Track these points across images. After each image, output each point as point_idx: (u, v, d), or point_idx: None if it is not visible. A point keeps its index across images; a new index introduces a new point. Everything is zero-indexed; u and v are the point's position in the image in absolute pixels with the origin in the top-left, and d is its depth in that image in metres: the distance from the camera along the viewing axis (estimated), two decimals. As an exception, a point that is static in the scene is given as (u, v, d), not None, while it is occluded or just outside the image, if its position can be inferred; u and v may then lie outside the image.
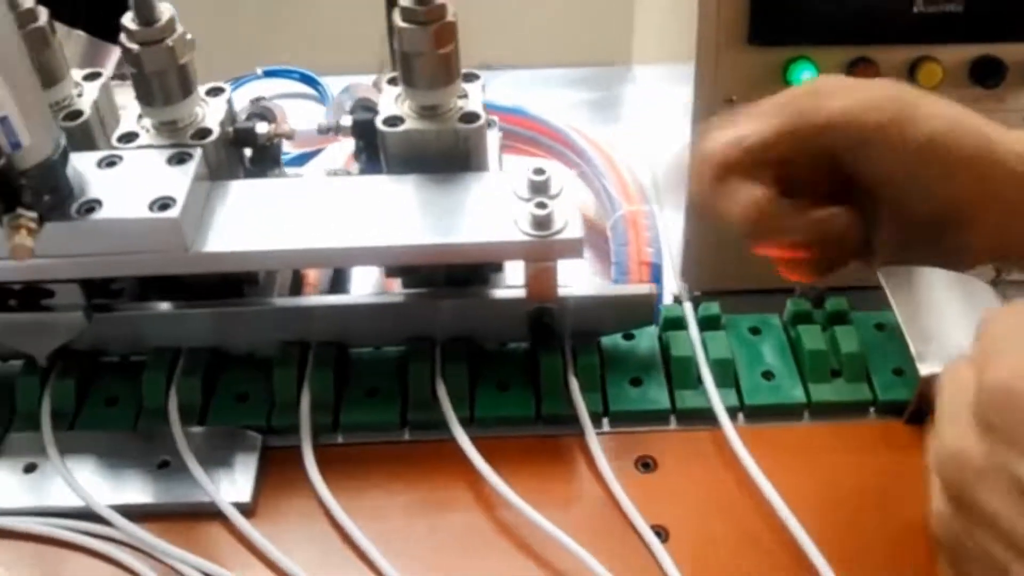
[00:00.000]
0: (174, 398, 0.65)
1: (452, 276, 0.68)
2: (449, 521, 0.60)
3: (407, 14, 0.61)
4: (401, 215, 0.62)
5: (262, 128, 0.66)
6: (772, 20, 0.67)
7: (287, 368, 0.65)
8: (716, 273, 0.74)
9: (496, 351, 0.68)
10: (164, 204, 0.59)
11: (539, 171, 0.62)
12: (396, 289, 0.70)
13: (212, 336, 0.68)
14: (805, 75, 0.68)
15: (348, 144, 0.78)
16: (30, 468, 0.63)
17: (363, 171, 0.68)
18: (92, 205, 0.59)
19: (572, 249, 0.60)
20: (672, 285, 0.75)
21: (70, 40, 0.69)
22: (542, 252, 0.60)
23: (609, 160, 0.91)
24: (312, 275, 0.77)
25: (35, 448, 0.64)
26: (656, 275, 0.76)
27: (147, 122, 0.66)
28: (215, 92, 0.67)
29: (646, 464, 0.63)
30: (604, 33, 1.28)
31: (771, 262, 0.55)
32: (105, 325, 0.66)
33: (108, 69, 0.74)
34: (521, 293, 0.66)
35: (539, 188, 0.62)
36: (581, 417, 0.63)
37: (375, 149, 0.67)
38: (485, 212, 0.62)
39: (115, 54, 0.74)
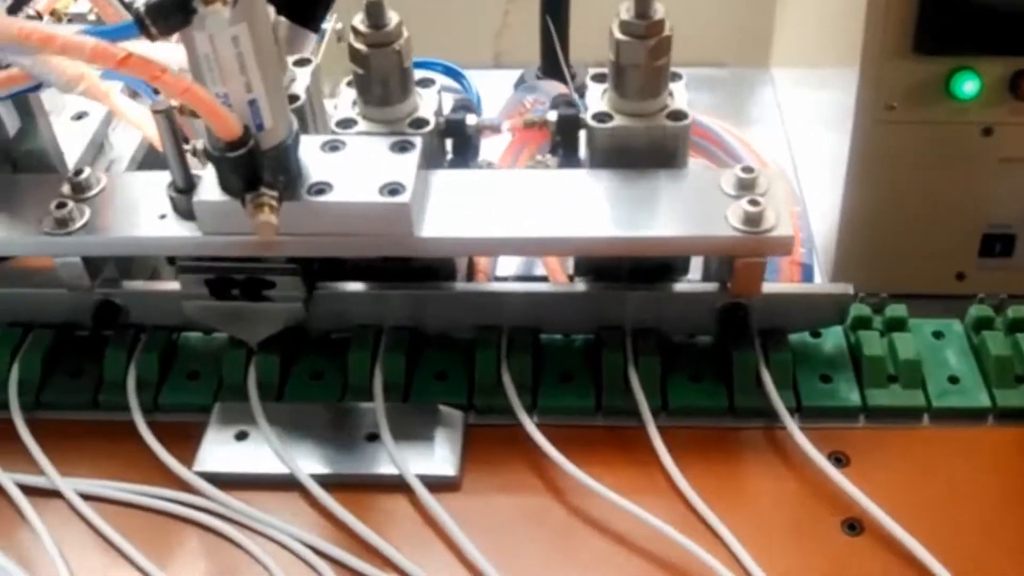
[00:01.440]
0: (379, 375, 0.67)
1: (636, 271, 0.70)
2: (646, 507, 0.61)
3: (625, 27, 0.63)
4: (610, 208, 0.64)
5: (471, 120, 0.68)
6: (939, 28, 0.68)
7: (488, 350, 0.68)
8: (871, 275, 0.75)
9: (684, 343, 0.70)
10: (393, 189, 0.62)
11: (747, 169, 0.64)
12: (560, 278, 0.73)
13: (411, 317, 0.70)
14: (968, 85, 0.69)
15: (504, 138, 0.81)
16: (241, 436, 0.66)
17: (561, 165, 0.70)
18: (322, 187, 0.62)
19: (784, 246, 0.62)
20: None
21: (277, 27, 0.71)
22: (754, 248, 0.62)
23: (760, 160, 0.92)
24: (483, 262, 0.79)
25: (244, 417, 0.67)
26: (807, 275, 0.78)
27: (359, 108, 0.68)
28: (426, 83, 0.69)
29: (838, 459, 0.64)
30: (741, 35, 1.29)
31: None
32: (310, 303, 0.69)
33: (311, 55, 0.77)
34: (710, 287, 0.68)
35: (747, 186, 0.64)
36: (779, 411, 0.65)
37: (573, 143, 0.69)
38: (693, 207, 0.64)
39: (311, 41, 0.76)
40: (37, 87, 0.67)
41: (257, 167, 0.59)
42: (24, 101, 0.71)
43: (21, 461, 0.67)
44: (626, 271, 0.70)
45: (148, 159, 0.83)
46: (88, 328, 0.72)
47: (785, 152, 1.06)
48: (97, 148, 0.80)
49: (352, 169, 0.63)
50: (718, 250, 0.64)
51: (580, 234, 0.63)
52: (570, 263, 0.73)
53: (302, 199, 0.61)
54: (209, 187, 0.62)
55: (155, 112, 0.61)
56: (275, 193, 0.59)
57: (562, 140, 0.70)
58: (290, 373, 0.70)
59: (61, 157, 0.75)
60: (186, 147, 0.64)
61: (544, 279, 0.79)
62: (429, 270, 0.71)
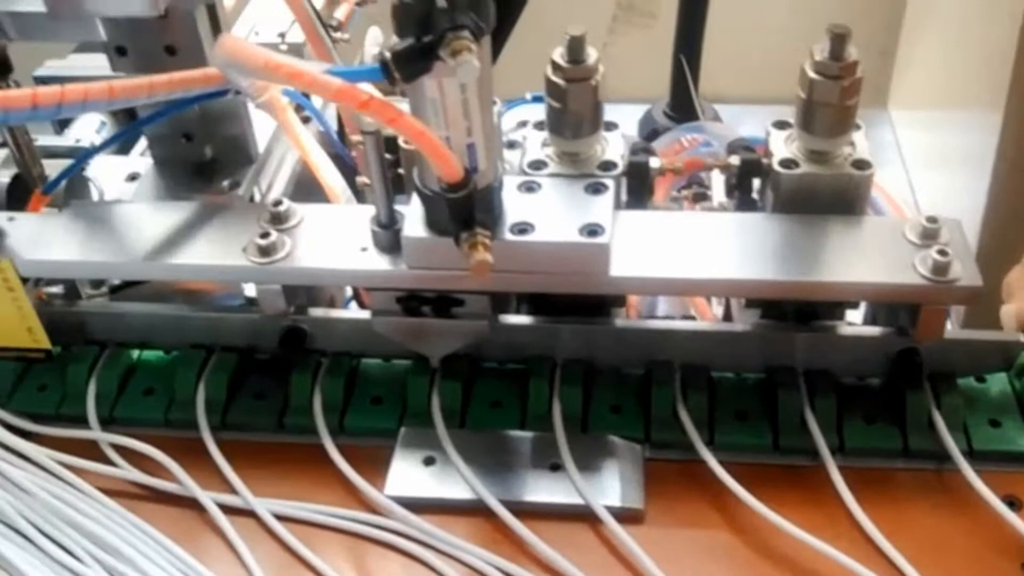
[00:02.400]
0: (557, 405, 0.70)
1: (802, 311, 0.72)
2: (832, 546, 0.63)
3: (820, 67, 0.65)
4: (796, 252, 0.66)
5: (655, 163, 0.71)
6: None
7: (664, 386, 0.70)
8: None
9: (853, 384, 0.72)
10: (592, 230, 0.64)
11: (931, 219, 0.66)
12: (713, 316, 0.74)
13: (582, 350, 0.72)
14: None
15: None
16: (429, 461, 0.69)
17: (738, 208, 0.72)
18: (524, 227, 0.64)
19: (971, 296, 0.64)
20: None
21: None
22: (942, 297, 0.64)
23: (891, 202, 0.94)
24: (635, 298, 0.81)
25: (430, 443, 0.69)
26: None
27: (550, 150, 0.70)
28: (609, 127, 0.72)
29: (1011, 502, 0.66)
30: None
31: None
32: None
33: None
34: (884, 331, 0.70)
35: (931, 235, 0.66)
36: (953, 453, 0.66)
37: (749, 186, 0.72)
38: (879, 255, 0.66)
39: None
40: (225, 92, 0.70)
41: (473, 208, 0.61)
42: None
43: (212, 479, 0.69)
44: (792, 308, 0.72)
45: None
46: (268, 351, 0.75)
47: (907, 192, 1.08)
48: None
49: (550, 209, 0.66)
50: (907, 298, 0.66)
51: (772, 278, 0.65)
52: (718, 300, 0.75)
53: (505, 238, 0.64)
54: (414, 223, 0.65)
55: (365, 133, 0.64)
56: (488, 233, 0.61)
57: (739, 183, 0.72)
58: (470, 400, 0.72)
59: (255, 144, 0.81)
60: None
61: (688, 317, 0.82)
62: (598, 304, 0.73)
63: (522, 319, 0.72)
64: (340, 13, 1.03)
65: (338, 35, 1.01)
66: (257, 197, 0.87)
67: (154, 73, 0.66)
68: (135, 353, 0.77)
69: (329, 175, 0.82)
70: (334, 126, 0.88)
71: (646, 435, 0.70)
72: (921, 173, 1.09)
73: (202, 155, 0.83)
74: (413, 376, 0.72)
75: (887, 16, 1.30)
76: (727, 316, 0.82)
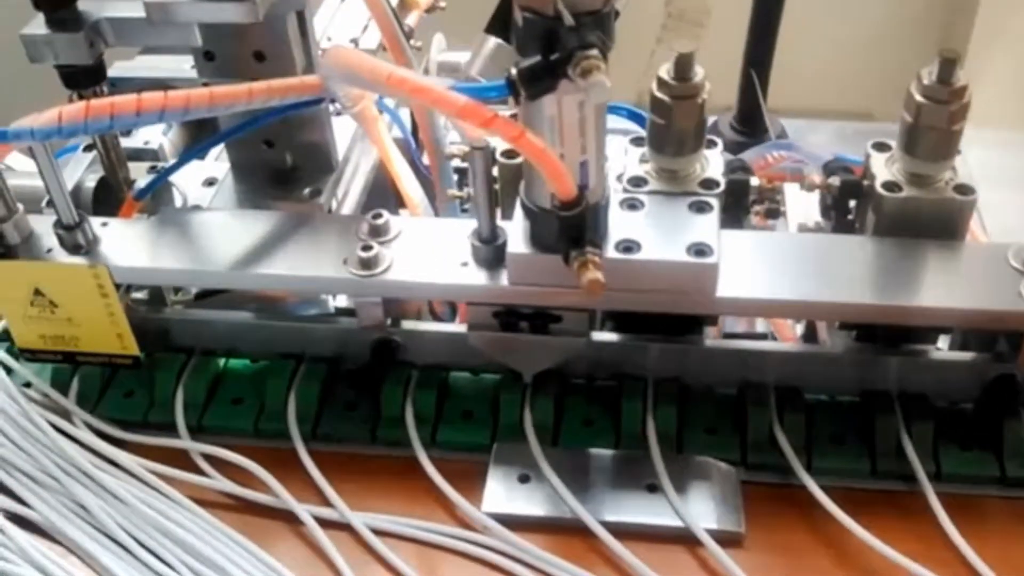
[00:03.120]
0: (652, 424, 0.69)
1: (894, 334, 0.72)
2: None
3: (928, 91, 0.65)
4: (899, 275, 0.66)
5: (755, 181, 0.70)
6: None
7: (761, 407, 0.70)
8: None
9: (946, 409, 0.71)
10: (700, 250, 0.64)
11: (1035, 246, 0.66)
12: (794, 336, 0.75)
13: (673, 368, 0.72)
14: None
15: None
16: (524, 479, 0.68)
17: (835, 229, 0.72)
18: (630, 245, 0.64)
19: (1081, 326, 0.64)
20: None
21: (500, 54, 0.74)
22: (1048, 324, 0.64)
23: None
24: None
25: (524, 460, 0.69)
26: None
27: (648, 167, 0.70)
28: (709, 144, 0.71)
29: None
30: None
31: None
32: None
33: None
34: (979, 357, 0.70)
35: (1035, 262, 0.65)
36: (1055, 482, 0.66)
37: (845, 208, 0.71)
38: (982, 280, 0.65)
39: None
40: (320, 101, 0.70)
41: (584, 226, 0.61)
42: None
43: (304, 491, 0.69)
44: (883, 331, 0.72)
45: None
46: (355, 362, 0.74)
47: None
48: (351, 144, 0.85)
49: (654, 228, 0.65)
50: (1013, 324, 0.65)
51: (878, 302, 0.65)
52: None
53: (610, 256, 0.63)
54: (518, 239, 0.65)
55: (474, 149, 0.63)
56: (599, 251, 0.61)
57: (835, 204, 0.72)
58: (562, 417, 0.71)
59: (334, 146, 0.81)
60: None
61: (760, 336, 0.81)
62: (688, 321, 0.73)
63: (614, 337, 0.72)
64: (411, 20, 1.03)
65: (411, 42, 1.01)
66: (333, 206, 0.87)
67: (240, 79, 0.67)
68: (221, 361, 0.76)
69: (410, 187, 0.82)
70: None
71: (742, 457, 0.69)
72: (989, 193, 1.08)
73: (283, 162, 0.82)
74: (505, 391, 0.71)
75: (955, 32, 1.29)
76: (807, 336, 0.81)
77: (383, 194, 0.89)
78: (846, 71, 1.59)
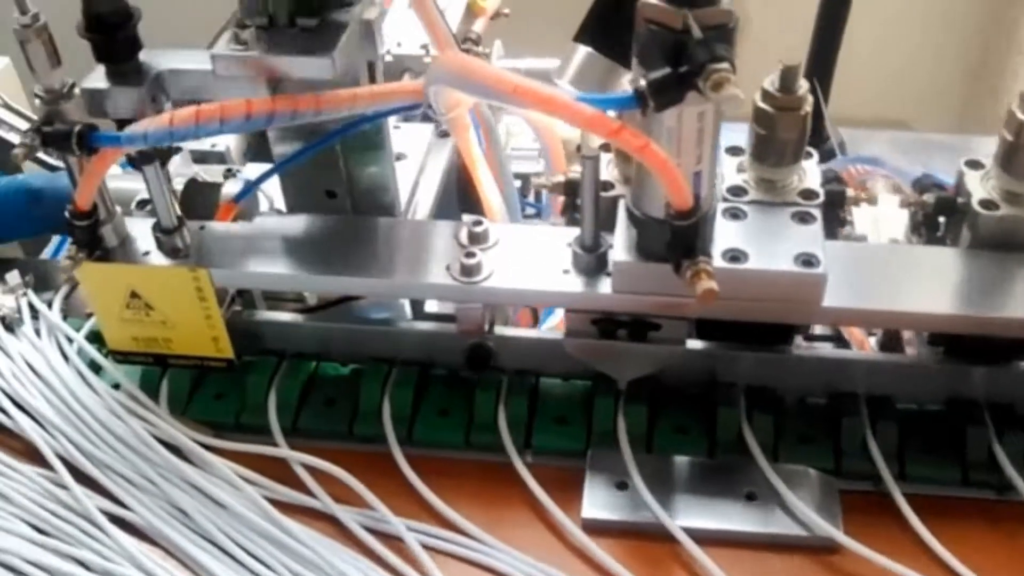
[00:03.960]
0: (749, 432, 0.70)
1: (982, 347, 0.72)
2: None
3: (1033, 112, 0.65)
4: (998, 288, 0.67)
5: (850, 192, 0.71)
6: None
7: (854, 418, 0.70)
8: None
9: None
10: (807, 260, 0.64)
11: None
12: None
13: (766, 377, 0.72)
14: None
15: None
16: (622, 486, 0.69)
17: (928, 242, 0.72)
18: (737, 254, 0.65)
19: None
20: None
21: (594, 65, 0.75)
22: None
23: None
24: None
25: (619, 467, 0.69)
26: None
27: (747, 176, 0.71)
28: (807, 155, 0.72)
29: None
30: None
31: None
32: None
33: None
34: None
35: None
36: None
37: (936, 223, 0.72)
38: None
39: (625, 78, 0.79)
40: (417, 107, 0.70)
41: (696, 236, 0.61)
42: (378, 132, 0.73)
43: (401, 494, 0.69)
44: (971, 344, 0.72)
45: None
46: (445, 366, 0.75)
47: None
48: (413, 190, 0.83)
49: (759, 237, 0.66)
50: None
51: (982, 313, 0.65)
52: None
53: (717, 265, 0.64)
54: (623, 248, 0.65)
55: (584, 158, 0.63)
56: (710, 261, 0.61)
57: (926, 220, 0.72)
58: (656, 425, 0.72)
59: (397, 194, 0.78)
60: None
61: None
62: (780, 330, 0.73)
63: (710, 345, 0.72)
64: (477, 27, 1.03)
65: (479, 49, 1.01)
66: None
67: (305, 131, 0.67)
68: (312, 364, 0.77)
69: (491, 194, 0.83)
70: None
71: (836, 466, 0.70)
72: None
73: (344, 212, 0.76)
74: (599, 398, 0.72)
75: (993, 42, 1.30)
76: (884, 345, 0.81)
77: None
78: (884, 80, 1.59)
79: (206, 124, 0.64)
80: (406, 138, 0.85)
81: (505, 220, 0.83)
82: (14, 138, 0.96)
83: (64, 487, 0.70)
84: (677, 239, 0.61)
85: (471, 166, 0.81)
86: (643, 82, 0.55)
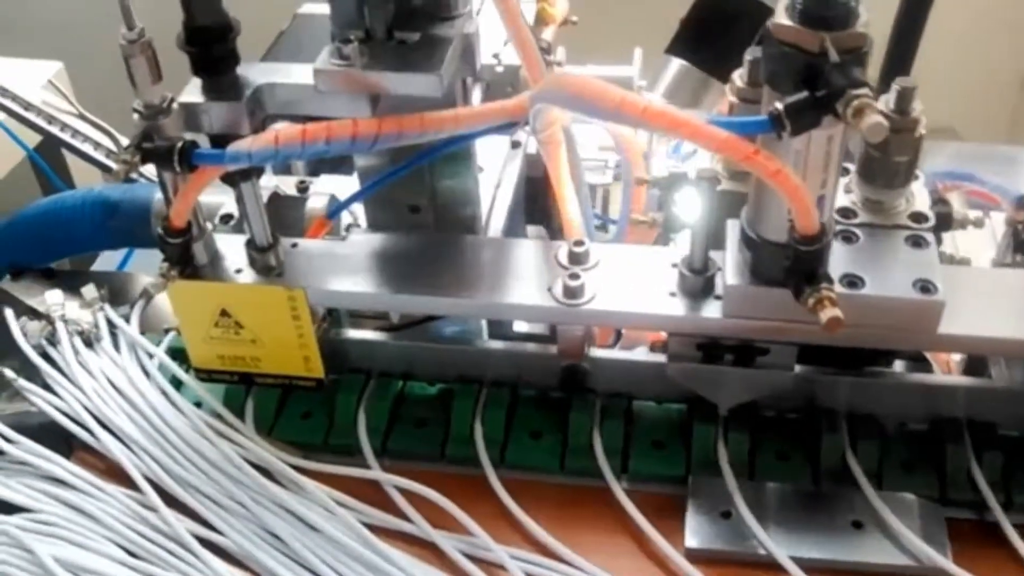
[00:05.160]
0: (853, 459, 0.68)
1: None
2: None
3: None
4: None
5: (957, 215, 0.69)
6: None
7: (958, 445, 0.69)
8: None
9: None
10: (925, 287, 0.62)
11: None
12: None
13: (867, 402, 0.71)
14: None
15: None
16: (726, 514, 0.67)
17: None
18: (854, 280, 0.63)
19: None
20: None
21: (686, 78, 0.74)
22: None
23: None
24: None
25: (722, 494, 0.68)
26: None
27: (854, 197, 0.69)
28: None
29: None
30: None
31: None
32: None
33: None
34: None
35: None
36: None
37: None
38: None
39: (719, 93, 0.78)
40: (514, 126, 0.68)
41: (820, 262, 0.60)
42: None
43: (496, 517, 0.68)
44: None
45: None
46: (535, 387, 0.73)
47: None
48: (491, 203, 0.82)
49: (874, 262, 0.64)
50: None
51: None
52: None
53: (836, 290, 0.62)
54: (735, 271, 0.63)
55: (700, 178, 0.62)
56: (832, 287, 0.60)
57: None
58: (757, 451, 0.70)
59: (479, 207, 0.77)
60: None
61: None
62: (873, 355, 0.72)
63: (809, 369, 0.71)
64: (547, 35, 1.01)
65: (549, 58, 0.99)
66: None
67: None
68: (399, 383, 0.75)
69: (573, 211, 0.81)
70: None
71: (941, 494, 0.68)
72: None
73: (426, 227, 0.75)
74: (699, 424, 0.70)
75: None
76: (968, 369, 0.80)
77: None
78: (930, 88, 1.58)
79: (312, 144, 0.62)
80: (483, 150, 0.84)
81: (584, 235, 0.81)
82: (87, 148, 0.94)
83: (152, 509, 0.68)
84: (799, 264, 0.60)
85: (556, 183, 0.79)
86: (779, 105, 0.54)
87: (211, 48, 0.64)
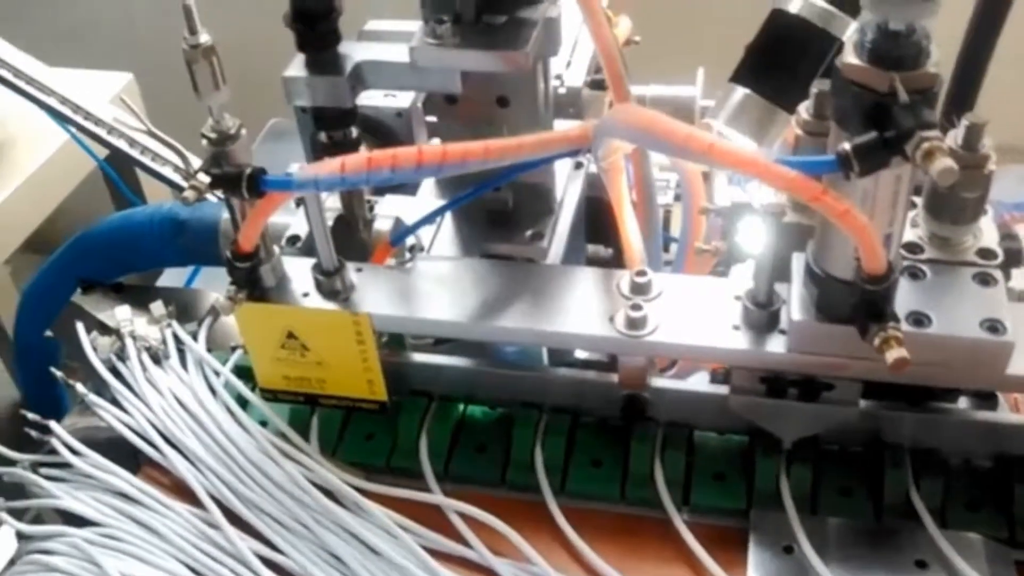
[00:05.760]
0: (917, 496, 0.67)
1: None
2: None
3: None
4: None
5: (1028, 250, 0.68)
6: None
7: (1029, 485, 0.67)
8: None
9: None
10: (993, 326, 0.62)
11: None
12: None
13: (931, 437, 0.70)
14: None
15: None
16: (788, 550, 0.67)
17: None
18: (920, 317, 0.62)
19: None
20: None
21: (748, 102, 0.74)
22: None
23: None
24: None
25: (785, 529, 0.67)
26: None
27: (920, 231, 0.68)
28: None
29: None
30: None
31: None
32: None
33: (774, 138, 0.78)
34: None
35: None
36: None
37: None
38: None
39: (785, 123, 0.77)
40: (576, 153, 0.69)
41: (886, 301, 0.59)
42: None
43: (554, 544, 0.68)
44: None
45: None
46: (595, 414, 0.73)
47: None
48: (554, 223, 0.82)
49: (941, 300, 0.63)
50: None
51: None
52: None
53: (902, 328, 0.61)
54: (800, 307, 0.63)
55: (768, 213, 0.62)
56: (899, 326, 0.59)
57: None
58: (819, 485, 0.70)
59: (555, 194, 0.80)
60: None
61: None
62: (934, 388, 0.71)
63: (872, 404, 0.70)
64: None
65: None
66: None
67: (478, 123, 0.70)
68: (459, 407, 0.76)
69: (634, 238, 0.81)
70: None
71: (1010, 535, 0.67)
72: None
73: (504, 204, 0.80)
74: (761, 457, 0.70)
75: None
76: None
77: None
78: (996, 106, 1.55)
79: (377, 171, 0.63)
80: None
81: (644, 263, 0.81)
82: (156, 165, 0.96)
83: (216, 527, 0.70)
84: (866, 303, 0.59)
85: (618, 208, 0.79)
86: (846, 146, 0.53)
87: (316, 25, 0.67)
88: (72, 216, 1.39)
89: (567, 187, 0.85)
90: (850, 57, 0.54)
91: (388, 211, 0.78)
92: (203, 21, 0.62)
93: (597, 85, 0.98)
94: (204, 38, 0.62)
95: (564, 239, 0.85)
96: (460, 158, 0.64)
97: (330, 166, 0.63)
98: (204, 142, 0.64)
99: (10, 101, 1.14)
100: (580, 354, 0.82)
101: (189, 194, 0.63)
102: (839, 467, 0.71)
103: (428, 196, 0.89)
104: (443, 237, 0.80)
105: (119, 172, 1.16)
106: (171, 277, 1.02)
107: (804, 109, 0.67)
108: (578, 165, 0.88)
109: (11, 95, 1.09)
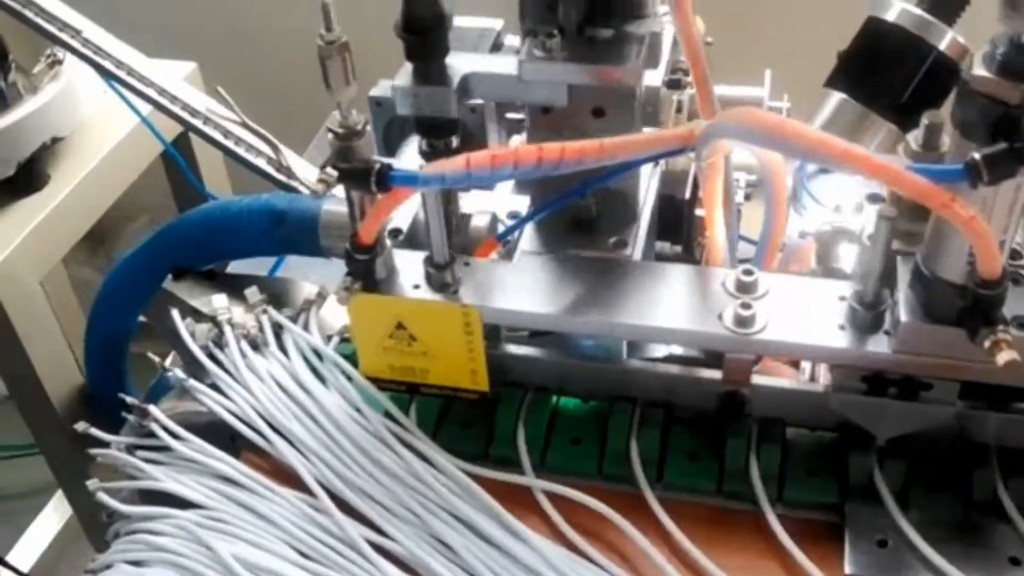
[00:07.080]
0: (1006, 495, 0.69)
1: None
2: None
3: None
4: None
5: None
6: None
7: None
8: None
9: None
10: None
11: None
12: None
13: (1016, 438, 0.72)
14: None
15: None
16: (882, 543, 0.69)
17: None
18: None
19: None
20: None
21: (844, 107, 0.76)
22: None
23: None
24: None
25: (879, 523, 0.69)
26: None
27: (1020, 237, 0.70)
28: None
29: None
30: None
31: None
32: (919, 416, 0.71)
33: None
34: None
35: None
36: None
37: None
38: None
39: (882, 131, 0.79)
40: (680, 152, 0.71)
41: (998, 305, 0.61)
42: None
43: (652, 538, 0.70)
44: None
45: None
46: (690, 409, 0.75)
47: None
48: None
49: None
50: None
51: None
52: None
53: (1010, 332, 0.63)
54: (910, 308, 0.65)
55: (881, 218, 0.63)
56: (1008, 330, 0.61)
57: None
58: (911, 482, 0.72)
59: (639, 202, 0.81)
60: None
61: None
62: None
63: (967, 404, 0.72)
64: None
65: (689, 79, 1.01)
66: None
67: (572, 133, 0.68)
68: (554, 398, 0.77)
69: (720, 237, 0.83)
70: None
71: (1100, 533, 0.69)
72: None
73: (588, 211, 0.80)
74: (855, 453, 0.72)
75: None
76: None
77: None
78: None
79: (500, 168, 0.65)
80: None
81: (727, 262, 0.84)
82: (251, 157, 0.98)
83: (323, 511, 0.71)
84: (978, 306, 0.61)
85: (710, 208, 0.81)
86: (976, 155, 0.55)
87: (426, 36, 0.69)
88: (119, 208, 1.40)
89: (647, 189, 0.87)
90: (979, 70, 0.56)
91: (483, 208, 0.80)
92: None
93: (673, 85, 0.99)
94: (338, 34, 0.63)
95: (643, 238, 0.87)
96: (577, 156, 0.66)
97: (455, 163, 0.64)
98: (330, 136, 0.66)
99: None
100: (658, 350, 0.84)
101: (320, 186, 0.65)
102: (927, 464, 0.73)
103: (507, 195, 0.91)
104: (524, 241, 0.81)
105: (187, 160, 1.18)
106: (247, 268, 1.04)
107: (913, 139, 0.68)
108: (655, 163, 0.89)
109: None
